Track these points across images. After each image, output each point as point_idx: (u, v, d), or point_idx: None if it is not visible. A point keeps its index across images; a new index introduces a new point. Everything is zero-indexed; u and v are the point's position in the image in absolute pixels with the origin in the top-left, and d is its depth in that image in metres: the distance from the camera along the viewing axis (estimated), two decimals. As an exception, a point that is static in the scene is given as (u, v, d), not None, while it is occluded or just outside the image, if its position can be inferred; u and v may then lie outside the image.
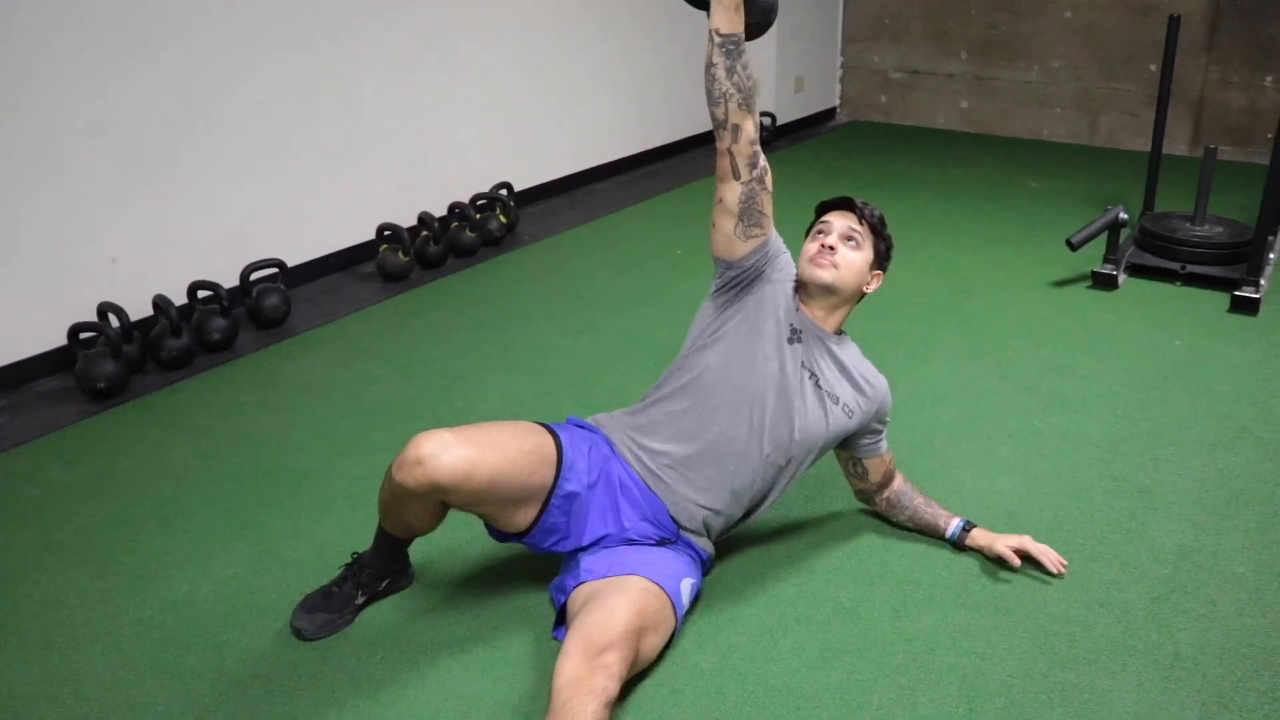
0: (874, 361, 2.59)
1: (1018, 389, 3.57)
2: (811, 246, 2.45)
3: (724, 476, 2.38)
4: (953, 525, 2.66)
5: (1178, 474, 3.02)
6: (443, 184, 5.19)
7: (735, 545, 2.69)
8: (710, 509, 2.40)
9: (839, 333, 2.52)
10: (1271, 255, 4.59)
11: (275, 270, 4.24)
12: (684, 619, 2.37)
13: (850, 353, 2.55)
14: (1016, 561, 2.55)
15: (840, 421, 2.47)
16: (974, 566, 2.61)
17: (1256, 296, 4.14)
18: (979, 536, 2.62)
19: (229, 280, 4.17)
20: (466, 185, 5.29)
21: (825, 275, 2.41)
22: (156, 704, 2.20)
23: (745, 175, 2.34)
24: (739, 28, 2.30)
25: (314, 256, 4.70)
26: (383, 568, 2.47)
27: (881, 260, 2.52)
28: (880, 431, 2.63)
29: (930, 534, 2.70)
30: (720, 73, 2.29)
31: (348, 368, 3.83)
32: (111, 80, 3.79)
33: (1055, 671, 2.25)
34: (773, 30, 6.89)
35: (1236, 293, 4.18)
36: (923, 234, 5.23)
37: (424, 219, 4.80)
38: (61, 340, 3.72)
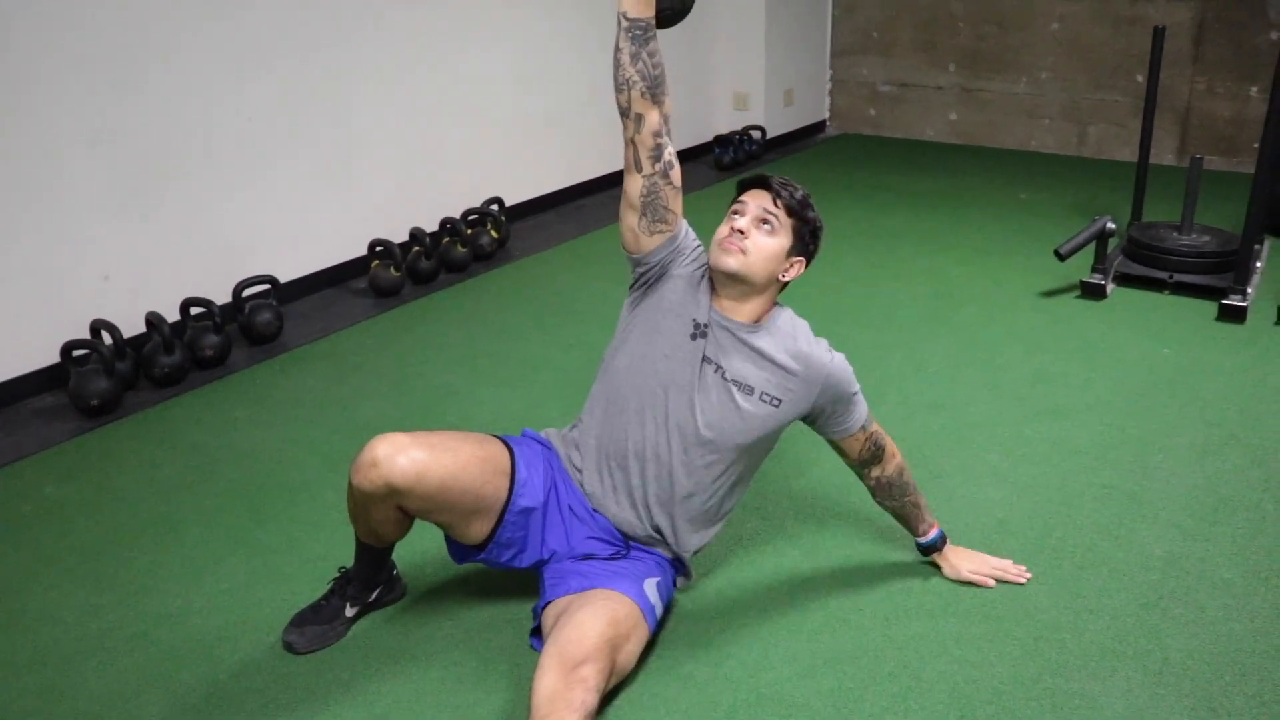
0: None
1: (1008, 398, 3.58)
2: (722, 230, 2.30)
3: (649, 485, 2.34)
4: (932, 534, 2.60)
5: (1166, 481, 3.04)
6: (434, 199, 5.21)
7: (726, 555, 2.71)
8: (650, 522, 2.38)
9: (757, 321, 2.34)
10: (1258, 264, 4.62)
11: (268, 286, 4.25)
12: (660, 621, 2.38)
13: (775, 339, 2.33)
14: (991, 583, 2.57)
15: (764, 411, 2.31)
16: (964, 574, 2.62)
17: (1243, 305, 4.16)
18: (944, 554, 2.62)
19: (221, 297, 4.18)
20: (458, 200, 5.31)
21: (731, 262, 2.24)
22: (151, 718, 2.21)
23: (648, 168, 2.25)
24: (648, 13, 2.20)
25: (306, 272, 4.72)
26: (368, 579, 2.48)
27: (803, 245, 2.34)
28: (840, 412, 2.39)
29: (907, 529, 2.63)
30: (625, 58, 2.20)
31: (340, 383, 3.84)
32: (104, 97, 3.81)
33: (1045, 678, 2.27)
34: (761, 44, 6.97)
35: (1224, 301, 4.20)
36: (913, 245, 5.26)
37: (416, 234, 4.81)
38: (54, 358, 3.73)
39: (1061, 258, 4.44)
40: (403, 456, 2.15)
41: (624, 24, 2.18)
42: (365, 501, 2.23)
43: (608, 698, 2.19)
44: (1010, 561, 2.64)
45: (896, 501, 2.56)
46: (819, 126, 8.09)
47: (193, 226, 4.21)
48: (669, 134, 2.27)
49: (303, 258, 4.70)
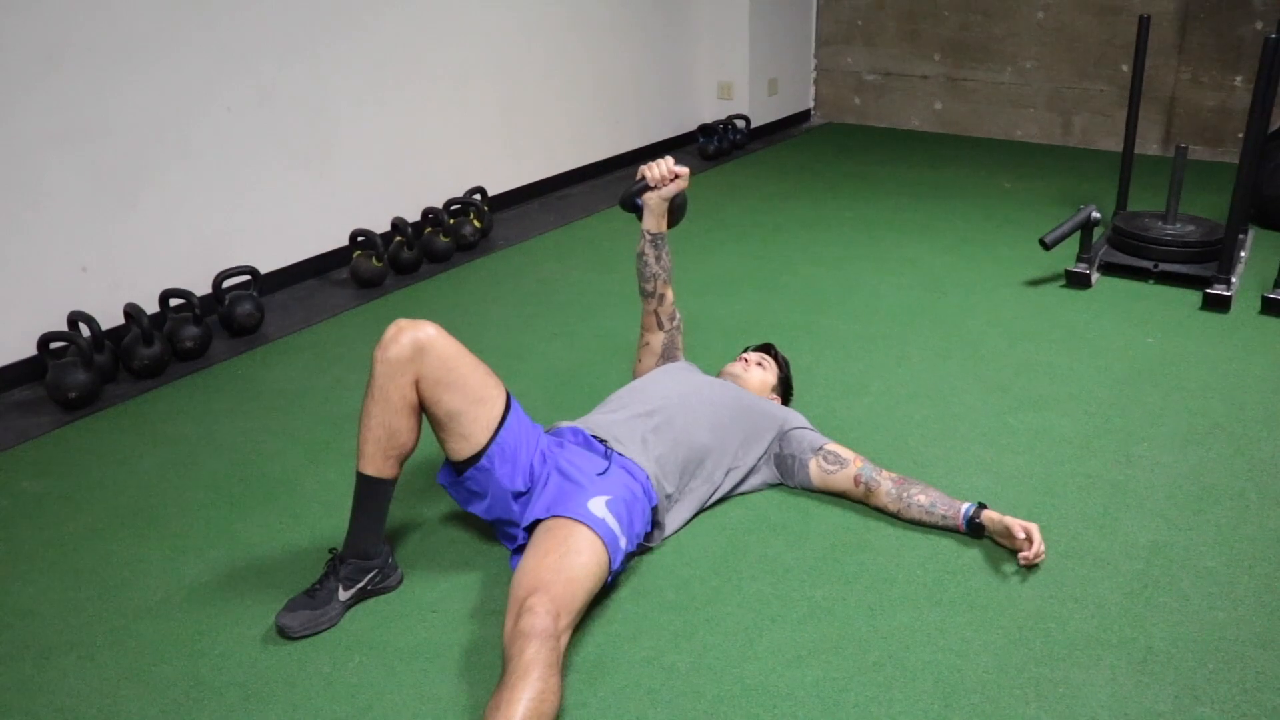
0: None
1: (991, 387, 3.58)
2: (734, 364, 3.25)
3: (643, 412, 2.77)
4: (964, 508, 2.70)
5: (1150, 470, 3.04)
6: (416, 189, 5.18)
7: (709, 545, 2.70)
8: (627, 418, 2.74)
9: None
10: (1242, 253, 4.63)
11: (248, 277, 4.22)
12: (624, 534, 2.44)
13: None
14: (1028, 526, 2.59)
15: (763, 403, 2.99)
16: (949, 564, 2.62)
17: (1228, 294, 4.17)
18: (991, 515, 2.67)
19: (201, 288, 4.15)
20: (440, 190, 5.29)
21: (736, 368, 3.18)
22: (131, 713, 2.19)
23: (667, 326, 3.15)
24: (664, 228, 3.06)
25: (287, 263, 4.69)
26: (363, 552, 2.48)
27: (782, 389, 3.26)
28: (806, 430, 2.97)
29: (944, 514, 2.72)
30: (651, 260, 3.06)
31: (321, 374, 3.81)
32: (81, 87, 3.77)
33: (1030, 667, 2.26)
34: (746, 33, 7.00)
35: (1208, 290, 4.21)
36: (896, 234, 5.26)
37: (398, 224, 4.78)
38: (32, 350, 3.70)
39: (1046, 247, 4.44)
40: (422, 327, 2.42)
41: (648, 238, 3.04)
42: (390, 375, 2.39)
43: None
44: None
45: (917, 493, 2.78)
46: (804, 116, 8.08)
47: (172, 217, 4.17)
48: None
49: (283, 248, 4.67)
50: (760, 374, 3.17)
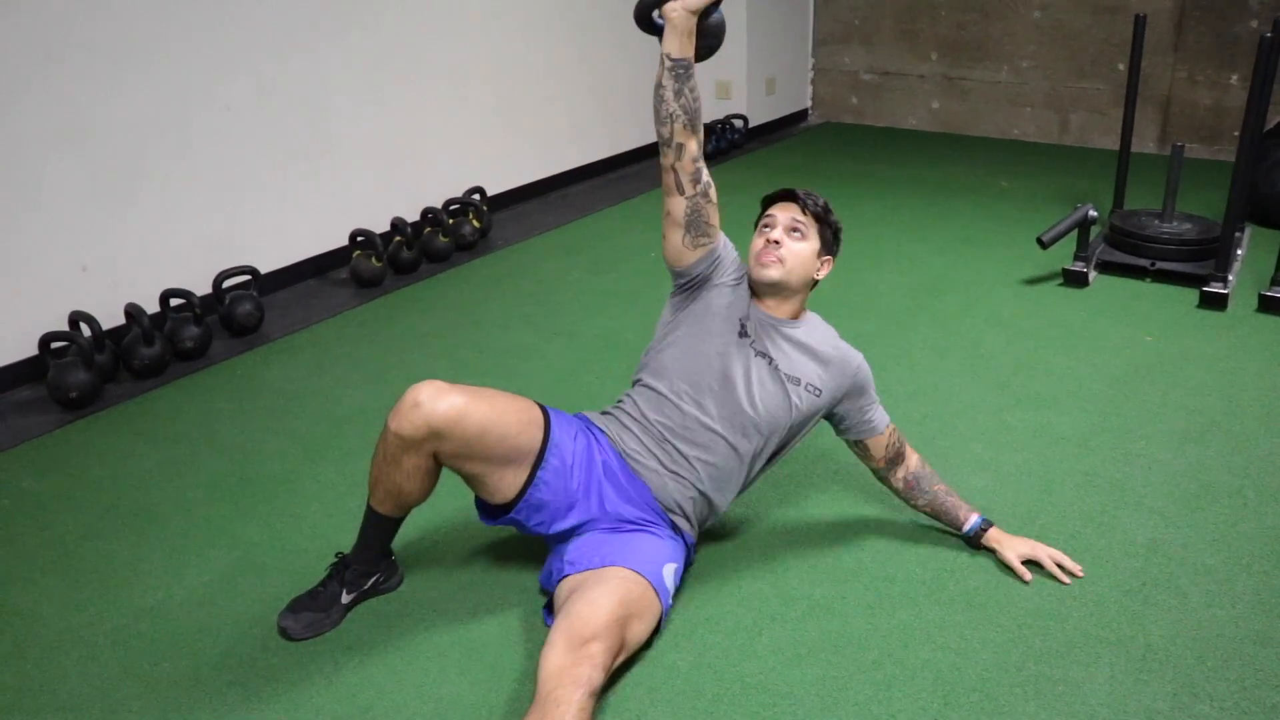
0: None
1: (990, 386, 3.59)
2: (758, 243, 2.52)
3: (698, 465, 2.44)
4: (972, 520, 2.64)
5: (1148, 468, 3.05)
6: (415, 189, 5.18)
7: (710, 543, 2.71)
8: (690, 488, 2.44)
9: (796, 317, 2.55)
10: (1239, 251, 4.64)
11: (248, 277, 4.22)
12: (671, 605, 2.39)
13: (812, 332, 2.56)
14: (1027, 576, 2.55)
15: (808, 400, 2.50)
16: (948, 562, 2.62)
17: (1225, 292, 4.18)
18: (994, 537, 2.62)
19: (202, 288, 4.15)
20: (439, 190, 5.29)
21: (772, 273, 2.47)
22: (132, 712, 2.20)
23: (689, 190, 2.42)
24: (689, 53, 2.37)
25: (287, 263, 4.69)
26: (369, 562, 2.48)
27: (829, 246, 2.57)
28: (867, 409, 2.61)
29: (948, 523, 2.69)
30: (669, 94, 2.36)
31: (321, 374, 3.82)
32: (81, 87, 3.77)
33: (1029, 665, 2.27)
34: (743, 33, 6.97)
35: (1205, 288, 4.22)
36: (895, 233, 5.26)
37: (397, 224, 4.79)
38: (33, 350, 3.70)
39: (1044, 245, 4.44)
40: (443, 400, 2.22)
41: (668, 64, 2.36)
42: (402, 448, 2.25)
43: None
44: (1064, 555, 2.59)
45: (928, 494, 2.67)
46: (801, 115, 8.08)
47: (172, 217, 4.17)
48: (704, 156, 2.45)
49: (283, 248, 4.67)
50: (799, 250, 2.49)
